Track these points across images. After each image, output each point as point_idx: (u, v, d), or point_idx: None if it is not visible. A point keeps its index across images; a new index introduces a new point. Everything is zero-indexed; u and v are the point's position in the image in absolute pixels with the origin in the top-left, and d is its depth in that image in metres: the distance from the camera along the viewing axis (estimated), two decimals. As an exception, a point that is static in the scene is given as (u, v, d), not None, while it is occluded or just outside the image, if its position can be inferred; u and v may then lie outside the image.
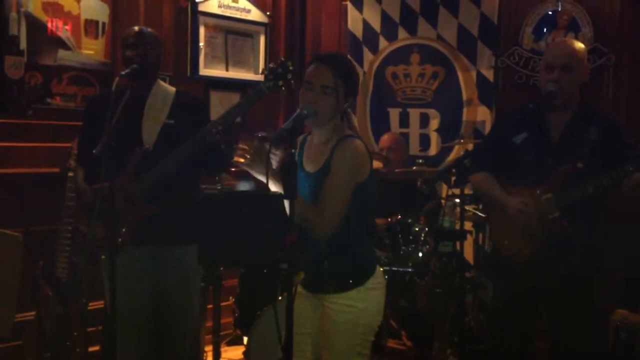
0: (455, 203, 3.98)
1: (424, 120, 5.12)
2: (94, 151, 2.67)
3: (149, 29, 3.06)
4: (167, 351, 3.05)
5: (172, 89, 3.08)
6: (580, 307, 2.81)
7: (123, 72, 2.84)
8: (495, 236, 3.07)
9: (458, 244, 3.92)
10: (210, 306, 3.86)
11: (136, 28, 3.03)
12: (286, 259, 2.19)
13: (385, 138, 4.73)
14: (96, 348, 3.69)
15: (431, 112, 5.08)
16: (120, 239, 2.78)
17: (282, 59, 2.65)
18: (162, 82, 3.08)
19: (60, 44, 3.94)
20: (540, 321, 3.00)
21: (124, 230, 2.80)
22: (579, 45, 2.92)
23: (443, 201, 4.20)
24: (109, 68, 4.10)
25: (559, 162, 2.80)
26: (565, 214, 2.74)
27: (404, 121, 5.19)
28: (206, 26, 4.70)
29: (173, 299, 2.99)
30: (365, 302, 2.39)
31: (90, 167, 2.93)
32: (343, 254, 2.41)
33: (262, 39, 5.04)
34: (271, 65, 2.65)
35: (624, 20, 4.37)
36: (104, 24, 4.12)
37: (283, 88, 2.67)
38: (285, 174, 2.32)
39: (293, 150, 2.25)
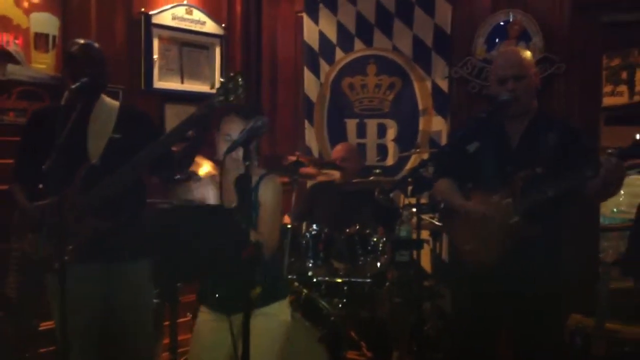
0: (412, 212, 4.00)
1: (381, 131, 5.16)
2: (43, 167, 2.60)
3: (94, 43, 3.01)
4: None
5: (116, 103, 3.05)
6: (543, 313, 2.85)
7: (73, 87, 2.79)
8: (457, 243, 3.08)
9: (415, 253, 3.96)
10: (167, 323, 3.80)
11: (81, 41, 2.97)
12: (242, 274, 2.19)
13: (338, 149, 4.72)
14: (49, 369, 3.60)
15: (388, 122, 5.12)
16: (66, 257, 2.65)
17: (232, 74, 2.64)
18: (105, 97, 3.03)
19: (9, 58, 3.85)
20: (504, 327, 3.02)
21: (70, 247, 2.71)
22: (525, 52, 2.99)
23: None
24: (59, 82, 4.01)
25: (518, 168, 2.83)
26: (525, 219, 2.78)
27: (361, 132, 5.22)
28: (160, 38, 4.65)
29: (125, 315, 2.94)
30: (284, 315, 2.68)
31: (31, 183, 2.88)
32: (268, 272, 2.56)
33: (218, 50, 5.00)
34: (222, 79, 2.64)
35: (573, 29, 4.47)
36: (54, 37, 4.04)
37: (234, 103, 2.66)
38: (239, 187, 2.31)
39: (247, 163, 2.25)
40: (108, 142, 2.90)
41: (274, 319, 2.62)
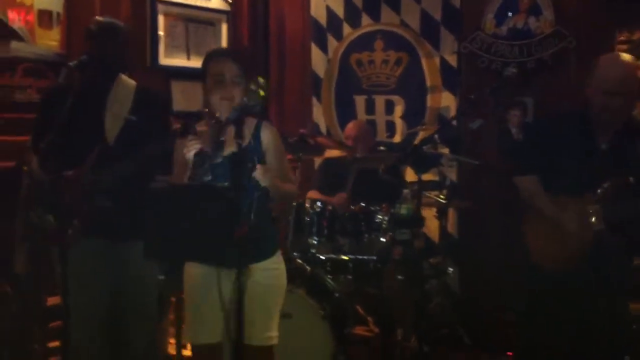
0: (414, 190, 3.96)
1: (389, 107, 5.11)
2: (40, 145, 2.63)
3: (115, 20, 3.01)
4: (126, 344, 3.05)
5: (133, 83, 3.04)
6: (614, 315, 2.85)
7: (71, 63, 2.79)
8: (532, 242, 3.00)
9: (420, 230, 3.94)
10: (173, 299, 3.82)
11: (102, 19, 2.98)
12: (236, 252, 2.19)
13: (350, 127, 4.65)
14: (57, 343, 3.64)
15: (395, 98, 5.07)
16: (70, 231, 2.74)
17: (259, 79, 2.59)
18: (123, 77, 3.02)
19: (14, 35, 3.85)
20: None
21: (75, 222, 2.76)
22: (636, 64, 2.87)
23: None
24: (64, 59, 4.01)
25: (605, 174, 2.78)
26: (609, 228, 2.74)
27: (370, 108, 5.17)
28: (165, 15, 4.63)
29: (128, 294, 2.99)
30: (282, 264, 2.73)
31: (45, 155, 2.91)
32: (267, 223, 2.67)
33: (224, 27, 4.97)
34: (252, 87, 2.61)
35: (584, 3, 4.38)
36: (58, 14, 4.03)
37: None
38: (234, 165, 2.30)
39: (239, 141, 2.24)
40: (124, 123, 2.91)
41: (275, 272, 2.67)
